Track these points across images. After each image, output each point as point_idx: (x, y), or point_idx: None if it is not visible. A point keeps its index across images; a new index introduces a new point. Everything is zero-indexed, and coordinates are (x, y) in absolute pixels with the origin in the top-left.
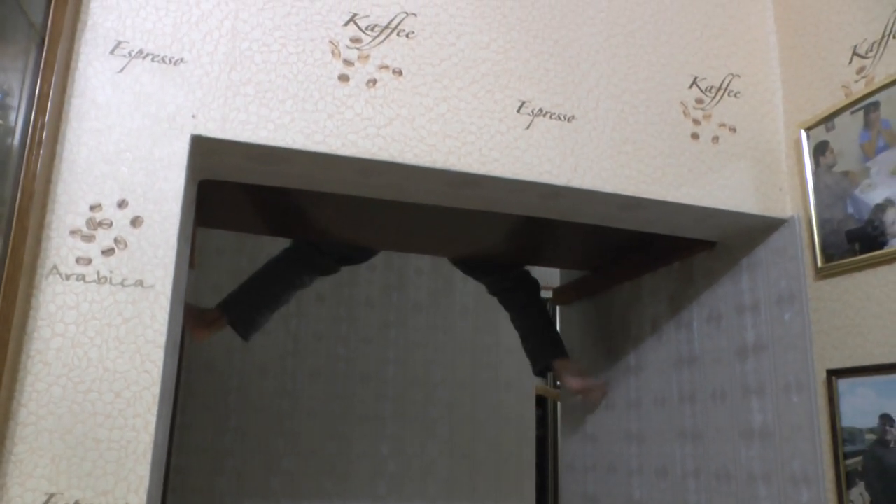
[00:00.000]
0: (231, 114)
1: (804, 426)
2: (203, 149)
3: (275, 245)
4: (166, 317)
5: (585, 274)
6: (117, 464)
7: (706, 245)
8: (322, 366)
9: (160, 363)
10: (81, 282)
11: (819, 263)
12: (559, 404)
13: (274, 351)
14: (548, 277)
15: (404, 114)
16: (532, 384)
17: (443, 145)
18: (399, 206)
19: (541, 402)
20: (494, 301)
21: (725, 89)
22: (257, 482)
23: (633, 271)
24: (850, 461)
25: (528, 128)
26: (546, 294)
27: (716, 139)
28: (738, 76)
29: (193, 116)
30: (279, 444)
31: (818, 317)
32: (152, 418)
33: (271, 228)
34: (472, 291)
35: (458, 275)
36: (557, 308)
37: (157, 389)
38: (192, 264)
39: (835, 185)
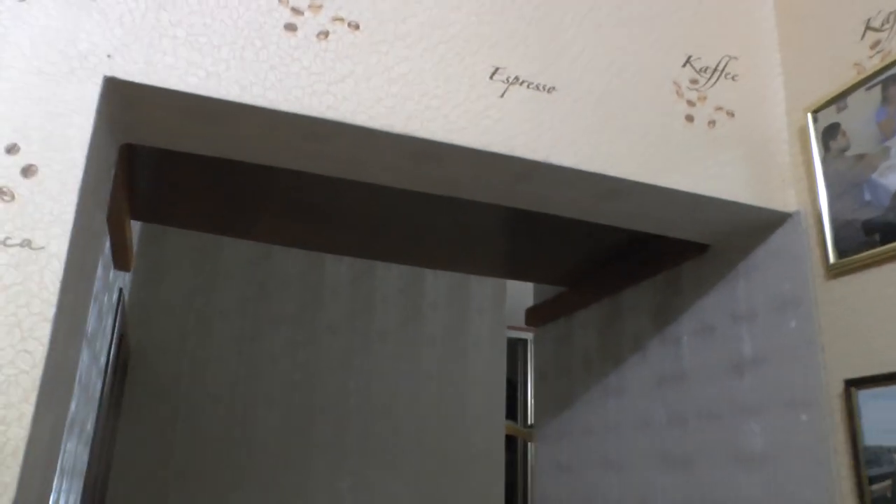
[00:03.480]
0: (156, 57)
1: (814, 448)
2: (122, 96)
3: (235, 246)
4: (58, 285)
5: (561, 291)
6: None
7: (696, 250)
8: (277, 394)
9: (46, 342)
10: None
11: (831, 260)
12: (529, 444)
13: (224, 377)
14: (521, 297)
15: (359, 71)
16: (502, 419)
17: (402, 108)
18: (367, 202)
19: (511, 442)
20: (463, 329)
21: (722, 71)
22: None
23: (613, 285)
24: (875, 486)
25: (502, 96)
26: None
27: (712, 123)
28: (736, 58)
29: (109, 56)
30: (228, 476)
31: (830, 321)
32: (29, 409)
33: (229, 228)
34: (440, 320)
35: (426, 302)
36: (532, 334)
37: (38, 373)
38: (126, 265)
39: (847, 171)
